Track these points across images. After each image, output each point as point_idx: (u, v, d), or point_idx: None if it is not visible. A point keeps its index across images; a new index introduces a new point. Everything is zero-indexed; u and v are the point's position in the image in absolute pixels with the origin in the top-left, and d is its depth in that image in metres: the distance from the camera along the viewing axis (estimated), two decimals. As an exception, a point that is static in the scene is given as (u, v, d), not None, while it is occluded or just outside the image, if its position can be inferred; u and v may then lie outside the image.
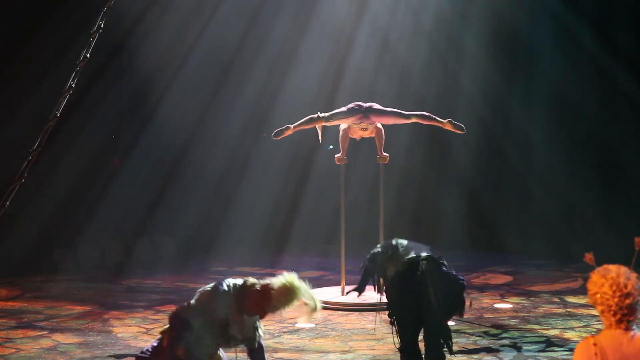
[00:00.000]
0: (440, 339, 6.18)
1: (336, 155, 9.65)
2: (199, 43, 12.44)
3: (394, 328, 6.27)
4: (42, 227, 11.55)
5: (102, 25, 5.88)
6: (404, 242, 6.42)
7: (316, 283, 10.34)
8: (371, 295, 9.51)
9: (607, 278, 3.37)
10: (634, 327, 3.37)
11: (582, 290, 9.61)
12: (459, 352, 7.52)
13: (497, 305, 9.37)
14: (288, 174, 12.89)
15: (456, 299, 6.20)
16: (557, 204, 12.34)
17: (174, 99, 12.54)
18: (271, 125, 13.45)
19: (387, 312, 6.35)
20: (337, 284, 9.72)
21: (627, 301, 3.33)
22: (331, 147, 12.74)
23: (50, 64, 10.53)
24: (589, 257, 3.48)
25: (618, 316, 3.34)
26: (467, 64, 12.79)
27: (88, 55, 5.77)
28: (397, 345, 6.30)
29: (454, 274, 6.23)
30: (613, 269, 3.39)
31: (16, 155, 6.38)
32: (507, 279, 10.84)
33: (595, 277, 3.41)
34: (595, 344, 3.31)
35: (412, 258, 6.20)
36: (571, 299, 9.52)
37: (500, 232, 12.35)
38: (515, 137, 12.76)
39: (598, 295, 3.38)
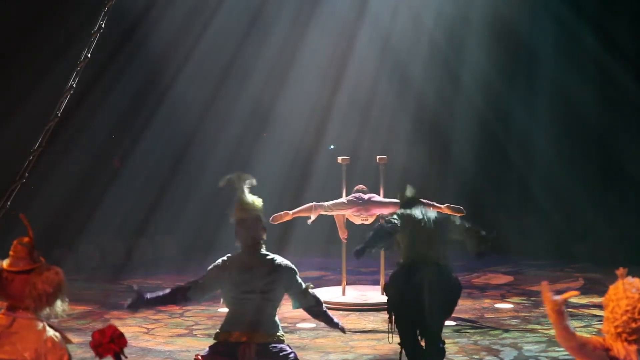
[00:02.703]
0: (440, 336, 6.45)
1: (342, 236, 9.52)
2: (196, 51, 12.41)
3: (391, 325, 6.54)
4: (42, 227, 11.53)
5: (103, 25, 5.87)
6: (418, 213, 6.65)
7: (317, 283, 10.35)
8: (372, 295, 9.53)
9: (629, 297, 3.34)
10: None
11: (583, 290, 9.60)
12: (459, 352, 7.52)
13: (497, 305, 9.37)
14: (289, 173, 12.88)
15: (454, 302, 6.57)
16: (558, 204, 12.32)
17: (174, 99, 12.53)
18: (271, 125, 13.50)
19: (386, 309, 6.61)
20: (338, 284, 9.72)
21: (634, 325, 3.32)
22: (332, 147, 12.75)
23: (51, 64, 10.52)
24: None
25: (619, 329, 3.34)
26: (468, 63, 12.78)
27: (89, 55, 5.77)
28: (391, 340, 6.58)
29: (454, 277, 6.59)
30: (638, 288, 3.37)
31: (16, 156, 6.38)
32: (507, 279, 10.84)
33: (620, 288, 3.38)
34: (610, 349, 3.32)
35: (416, 257, 6.49)
36: (572, 299, 9.50)
37: (500, 232, 12.33)
38: (516, 137, 12.75)
39: (612, 305, 3.37)
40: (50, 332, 3.78)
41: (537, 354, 7.41)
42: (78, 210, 12.02)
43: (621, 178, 11.92)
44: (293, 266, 5.28)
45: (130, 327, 8.36)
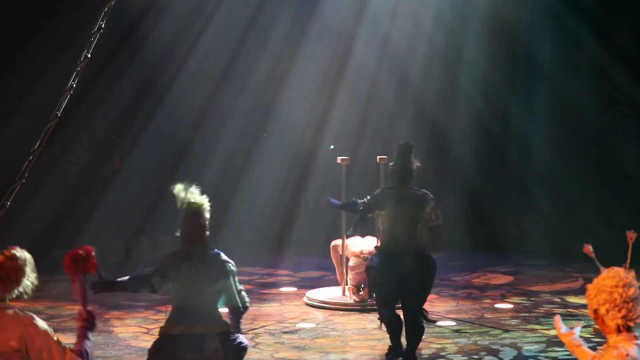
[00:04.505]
0: (420, 313, 7.08)
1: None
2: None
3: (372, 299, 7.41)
4: (42, 227, 11.53)
5: (102, 25, 5.88)
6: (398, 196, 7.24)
7: (316, 283, 10.35)
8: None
9: (607, 276, 3.38)
10: (637, 334, 3.37)
11: (583, 291, 9.57)
12: (459, 352, 7.52)
13: (497, 305, 9.37)
14: (288, 173, 12.87)
15: (430, 282, 7.21)
16: (558, 204, 12.32)
17: (174, 99, 12.52)
18: (271, 125, 13.49)
19: (369, 288, 7.45)
20: (338, 284, 9.71)
21: (631, 292, 3.33)
22: (332, 147, 12.74)
23: (51, 64, 10.51)
24: (587, 248, 3.50)
25: (623, 311, 3.33)
26: (467, 64, 12.78)
27: (89, 55, 5.78)
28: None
29: (431, 258, 7.19)
30: (607, 270, 3.42)
31: (16, 156, 6.39)
32: (507, 279, 10.83)
33: (593, 282, 3.43)
34: (627, 355, 3.33)
35: (396, 246, 7.11)
36: (572, 299, 9.52)
37: (500, 232, 12.33)
38: (516, 137, 12.74)
39: (602, 295, 3.38)
40: (26, 315, 3.80)
41: (537, 354, 7.41)
42: (78, 210, 12.01)
43: (621, 178, 11.91)
44: (233, 266, 5.52)
45: (130, 327, 8.37)
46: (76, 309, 8.53)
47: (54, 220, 11.61)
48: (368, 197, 7.39)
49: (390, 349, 7.16)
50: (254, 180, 12.90)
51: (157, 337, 5.49)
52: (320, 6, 12.76)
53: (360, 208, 7.29)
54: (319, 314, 9.03)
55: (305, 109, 13.00)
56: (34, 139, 5.59)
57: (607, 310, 3.38)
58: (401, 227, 7.18)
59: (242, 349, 5.44)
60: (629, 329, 3.35)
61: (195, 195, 5.62)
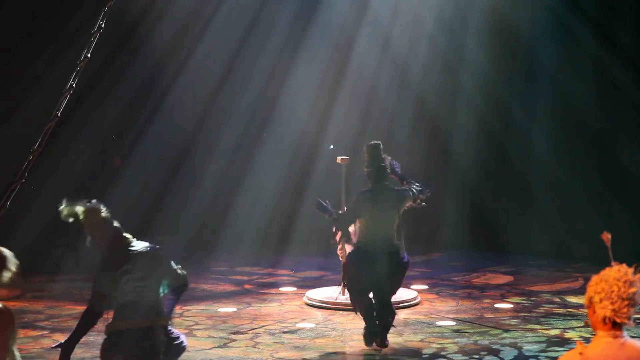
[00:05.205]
0: (389, 300, 7.66)
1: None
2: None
3: (344, 290, 8.07)
4: (42, 227, 11.53)
5: (102, 25, 5.88)
6: (376, 198, 7.65)
7: (317, 283, 10.35)
8: (371, 295, 9.51)
9: (614, 269, 3.37)
10: (625, 333, 3.35)
11: (583, 290, 9.58)
12: (459, 352, 7.52)
13: (497, 305, 9.37)
14: (289, 173, 12.88)
15: (401, 276, 7.74)
16: (558, 204, 12.31)
17: (174, 99, 12.52)
18: (271, 125, 13.49)
19: (344, 280, 7.99)
20: (338, 284, 9.70)
21: (630, 290, 3.32)
22: (331, 147, 12.74)
23: (51, 64, 10.51)
24: (605, 236, 3.49)
25: (616, 305, 3.31)
26: (468, 64, 12.77)
27: (89, 55, 5.77)
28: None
29: (401, 256, 7.64)
30: (617, 265, 3.41)
31: (16, 156, 6.38)
32: (507, 279, 10.83)
33: (600, 273, 3.41)
34: (581, 353, 3.29)
35: (371, 246, 7.58)
36: (572, 299, 9.52)
37: (500, 232, 12.33)
38: (516, 136, 12.74)
39: (602, 284, 3.37)
40: None
41: (537, 353, 7.42)
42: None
43: (621, 178, 11.91)
44: (161, 250, 5.70)
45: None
46: (76, 308, 8.53)
47: (54, 220, 11.59)
48: (346, 208, 7.96)
49: (365, 327, 7.68)
50: (254, 180, 12.90)
51: (105, 336, 5.59)
52: (321, 6, 12.76)
53: (344, 224, 7.74)
54: (319, 314, 9.04)
55: (306, 109, 13.01)
56: (34, 139, 5.58)
57: (601, 300, 3.36)
58: (378, 228, 7.62)
59: (182, 349, 5.67)
60: (614, 325, 3.33)
61: (78, 207, 5.67)
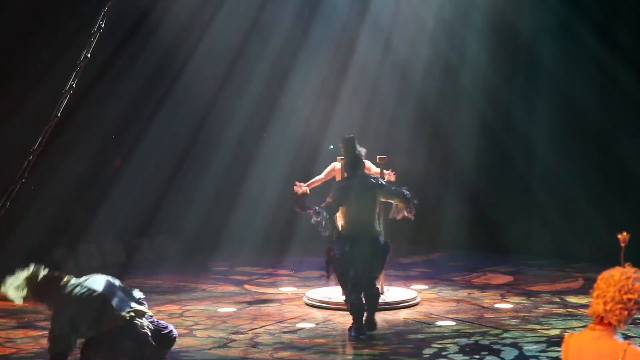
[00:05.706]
0: (373, 284, 8.17)
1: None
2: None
3: (329, 275, 8.37)
4: (43, 227, 11.53)
5: (102, 25, 5.88)
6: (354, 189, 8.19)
7: (317, 283, 10.35)
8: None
9: (625, 270, 3.38)
10: (618, 334, 3.36)
11: (583, 290, 9.61)
12: (459, 352, 7.51)
13: (497, 305, 9.37)
14: (290, 173, 12.88)
15: (382, 261, 8.25)
16: (559, 204, 12.31)
17: (176, 100, 12.52)
18: (271, 125, 13.49)
19: (331, 268, 8.27)
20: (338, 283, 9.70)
21: (626, 297, 3.33)
22: (331, 147, 12.74)
23: (51, 64, 10.51)
24: (623, 236, 3.50)
25: (609, 306, 3.33)
26: (468, 64, 12.77)
27: (89, 55, 5.77)
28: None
29: (382, 241, 8.15)
30: (629, 266, 3.43)
31: (16, 156, 6.38)
32: (507, 279, 10.83)
33: (607, 271, 3.43)
34: (565, 341, 3.38)
35: (352, 232, 8.09)
36: (572, 299, 9.51)
37: (501, 232, 12.33)
38: (517, 136, 12.74)
39: (603, 282, 3.38)
40: None
41: (537, 353, 7.42)
42: (78, 210, 12.02)
43: (621, 178, 11.90)
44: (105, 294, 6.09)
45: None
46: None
47: (54, 220, 11.62)
48: (327, 199, 8.23)
49: (353, 324, 8.04)
50: (255, 180, 12.91)
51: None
52: (323, 6, 12.77)
53: (330, 214, 8.15)
54: (319, 314, 9.04)
55: (308, 109, 13.02)
56: (34, 139, 5.58)
57: (597, 296, 3.40)
58: (357, 214, 8.12)
59: (172, 339, 6.20)
60: (602, 321, 3.37)
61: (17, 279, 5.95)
